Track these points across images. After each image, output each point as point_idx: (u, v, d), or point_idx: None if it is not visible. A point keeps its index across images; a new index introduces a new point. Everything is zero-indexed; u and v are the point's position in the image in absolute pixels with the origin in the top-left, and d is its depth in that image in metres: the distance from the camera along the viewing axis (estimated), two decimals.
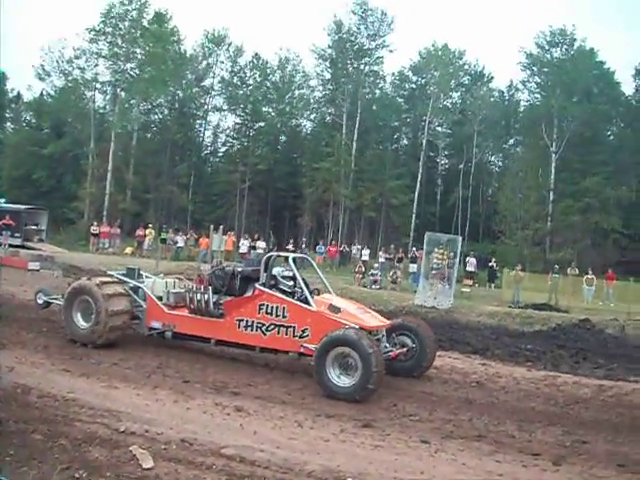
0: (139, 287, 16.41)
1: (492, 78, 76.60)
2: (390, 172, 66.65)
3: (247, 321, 14.49)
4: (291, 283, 14.83)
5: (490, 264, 42.19)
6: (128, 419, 9.88)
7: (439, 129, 74.13)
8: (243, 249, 43.40)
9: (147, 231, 45.83)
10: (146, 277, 17.05)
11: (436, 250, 31.17)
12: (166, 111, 75.46)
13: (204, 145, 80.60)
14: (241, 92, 74.33)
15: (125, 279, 16.67)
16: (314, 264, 18.93)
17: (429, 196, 72.33)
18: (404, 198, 65.95)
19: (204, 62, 75.83)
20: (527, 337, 23.58)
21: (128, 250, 45.19)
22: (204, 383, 12.85)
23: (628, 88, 69.56)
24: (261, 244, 43.98)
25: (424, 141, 69.80)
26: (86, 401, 10.69)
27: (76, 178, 65.31)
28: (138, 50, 63.89)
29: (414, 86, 76.07)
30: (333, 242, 52.61)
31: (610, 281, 38.08)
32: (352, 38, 69.17)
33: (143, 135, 72.08)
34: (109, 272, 18.00)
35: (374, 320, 14.36)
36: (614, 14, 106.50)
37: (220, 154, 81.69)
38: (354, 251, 47.45)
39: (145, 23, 63.78)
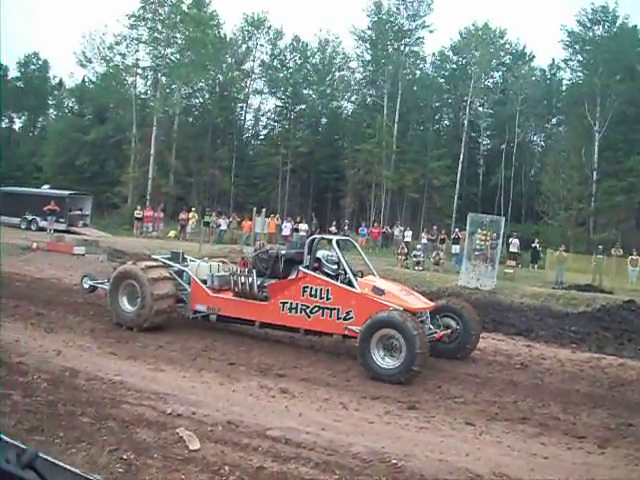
0: (183, 271, 16.56)
1: (533, 57, 75.82)
2: (432, 153, 66.34)
3: (291, 303, 14.51)
4: (335, 265, 14.87)
5: (533, 245, 41.93)
6: (175, 401, 10.00)
7: (480, 109, 73.61)
8: (286, 232, 43.50)
9: (190, 214, 46.11)
10: (190, 260, 17.21)
11: (479, 231, 31.01)
12: (207, 95, 75.70)
13: (245, 128, 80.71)
14: (281, 75, 74.31)
15: (169, 263, 16.83)
16: (357, 246, 18.96)
17: (471, 177, 71.94)
18: (446, 179, 65.64)
19: (244, 46, 75.88)
20: (571, 318, 23.36)
21: (171, 234, 45.50)
22: (249, 365, 12.92)
23: None
24: (303, 226, 43.99)
25: (466, 121, 69.41)
26: (133, 384, 10.82)
27: (119, 163, 65.77)
28: (178, 35, 64.12)
29: (455, 66, 75.44)
30: (375, 224, 52.69)
31: None
32: (392, 19, 68.79)
33: (184, 119, 72.34)
34: (154, 256, 18.18)
35: (418, 302, 14.34)
36: None
37: (261, 137, 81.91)
38: (396, 233, 47.32)
39: (185, 8, 63.93)
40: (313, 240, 15.34)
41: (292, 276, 15.10)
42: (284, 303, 14.62)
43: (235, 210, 58.02)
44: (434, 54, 75.11)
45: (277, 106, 76.78)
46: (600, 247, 38.03)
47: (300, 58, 75.14)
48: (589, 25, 64.27)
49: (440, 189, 66.34)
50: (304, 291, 14.41)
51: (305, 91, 75.35)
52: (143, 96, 69.60)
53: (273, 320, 14.90)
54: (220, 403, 10.19)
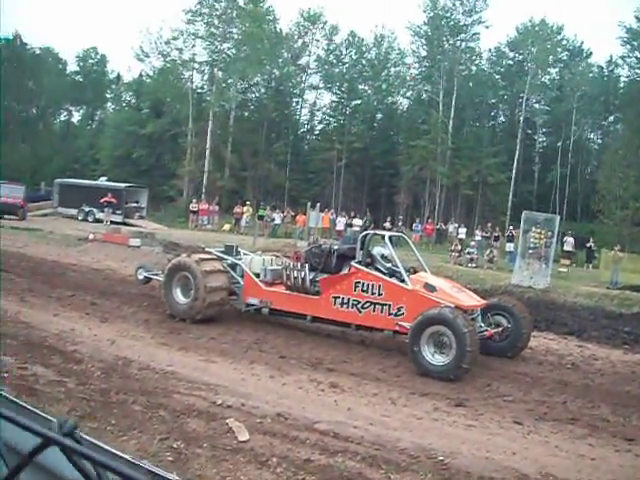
0: (237, 264, 16.74)
1: (591, 53, 74.80)
2: (487, 150, 65.97)
3: (343, 298, 14.60)
4: (387, 262, 14.93)
5: (588, 244, 41.51)
6: (225, 392, 10.14)
7: (537, 106, 72.94)
8: (340, 226, 43.57)
9: (245, 208, 46.36)
10: (244, 254, 17.38)
11: (533, 229, 30.78)
12: (263, 90, 75.99)
13: (300, 123, 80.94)
14: (337, 70, 74.44)
15: (223, 256, 17.02)
16: (410, 242, 19.00)
17: (526, 174, 71.34)
18: (501, 176, 65.20)
19: (300, 41, 76.13)
20: (625, 319, 23.10)
21: (226, 227, 45.84)
22: (300, 359, 13.03)
23: None
24: (357, 221, 44.07)
25: (521, 118, 68.84)
26: (184, 374, 10.99)
27: (175, 157, 66.45)
28: (234, 30, 64.62)
29: (511, 62, 74.83)
30: (429, 220, 52.48)
31: None
32: (447, 14, 68.43)
33: (240, 114, 72.68)
34: (208, 249, 18.44)
35: (469, 299, 14.36)
36: None
37: (316, 132, 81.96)
38: (450, 229, 47.19)
39: (241, 3, 64.43)
40: (366, 236, 15.45)
41: (344, 271, 15.19)
42: (336, 298, 14.71)
43: (289, 204, 58.27)
44: (490, 50, 74.63)
45: (332, 101, 76.91)
46: None
47: (356, 53, 75.09)
48: None
49: (495, 186, 65.93)
50: (356, 286, 14.47)
51: (360, 86, 75.35)
52: (199, 90, 70.13)
53: (324, 314, 14.98)
54: (270, 396, 10.30)
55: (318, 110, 79.93)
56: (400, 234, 21.90)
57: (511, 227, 43.35)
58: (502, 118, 78.99)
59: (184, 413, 8.86)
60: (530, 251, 30.63)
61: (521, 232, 31.77)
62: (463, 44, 69.81)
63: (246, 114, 75.85)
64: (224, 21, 63.30)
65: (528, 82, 66.74)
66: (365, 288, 14.35)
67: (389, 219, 47.34)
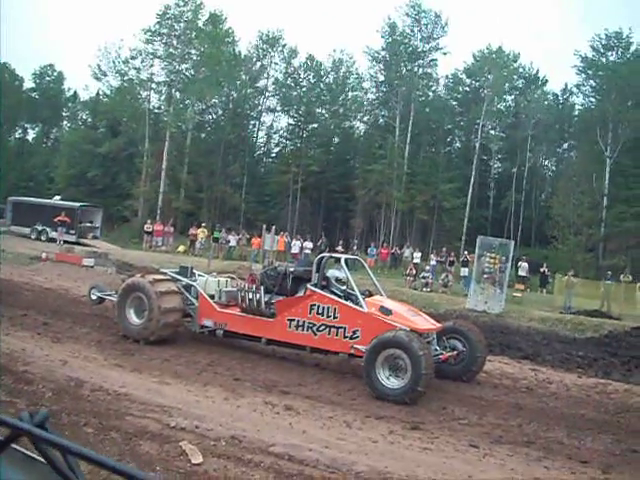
0: (192, 285, 16.57)
1: (546, 81, 75.90)
2: (442, 175, 66.34)
3: (298, 321, 14.54)
4: (343, 285, 14.92)
5: (542, 269, 41.86)
6: (179, 415, 10.02)
7: (492, 132, 73.56)
8: (295, 249, 43.54)
9: (200, 230, 46.21)
10: (199, 275, 17.27)
11: (488, 254, 30.96)
12: (220, 111, 76.10)
13: (257, 145, 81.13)
14: (295, 93, 74.64)
15: (178, 277, 16.86)
16: (366, 265, 19.01)
17: (482, 200, 71.92)
18: (456, 201, 65.64)
19: (258, 63, 76.33)
20: (578, 344, 23.30)
21: (181, 248, 45.62)
22: (254, 381, 12.94)
23: None
24: (308, 244, 44.14)
25: (477, 144, 69.40)
26: (137, 396, 10.86)
27: (130, 177, 66.20)
28: (193, 51, 64.75)
29: (468, 89, 75.57)
30: (385, 244, 52.68)
31: None
32: (406, 40, 68.97)
33: (197, 135, 72.64)
34: (162, 270, 18.25)
35: (425, 323, 14.37)
36: None
37: (273, 155, 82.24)
38: (406, 253, 47.30)
39: (200, 24, 64.63)
40: (322, 258, 15.43)
41: (300, 294, 15.17)
42: (291, 320, 14.64)
43: (245, 227, 58.20)
44: (447, 76, 75.40)
45: (289, 124, 77.10)
46: (609, 273, 37.90)
47: (314, 77, 75.37)
48: (602, 51, 64.43)
49: (450, 211, 66.31)
50: (311, 309, 14.42)
51: (318, 110, 75.58)
52: (156, 111, 69.94)
53: (279, 337, 14.91)
54: (224, 418, 10.21)
55: (275, 133, 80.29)
56: (356, 257, 21.97)
57: (466, 252, 43.61)
58: (458, 144, 79.70)
59: (137, 435, 8.74)
60: (485, 276, 30.81)
61: (476, 257, 31.98)
62: (420, 70, 70.47)
63: (203, 135, 75.87)
64: (183, 42, 63.39)
65: (484, 109, 67.41)
66: (321, 311, 14.30)
67: (342, 243, 47.38)
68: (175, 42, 63.62)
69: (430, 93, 73.52)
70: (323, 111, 76.07)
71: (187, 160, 66.48)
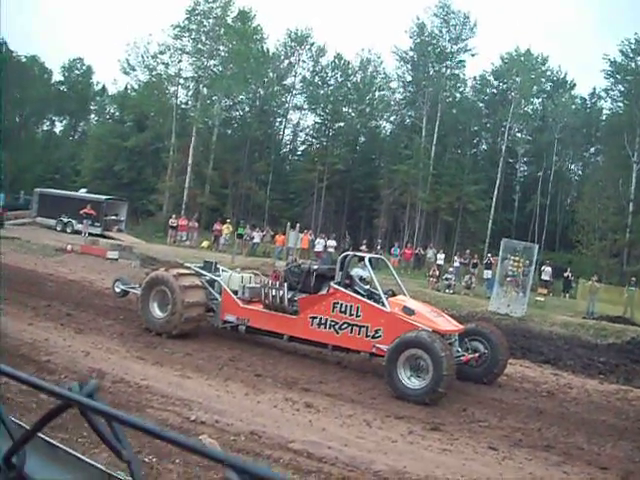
0: (215, 280, 16.71)
1: (574, 85, 75.37)
2: (468, 177, 66.09)
3: (320, 319, 14.61)
4: (366, 284, 14.93)
5: (566, 274, 41.62)
6: (199, 409, 10.08)
7: (519, 135, 73.16)
8: (318, 248, 43.47)
9: (224, 226, 46.23)
10: (222, 271, 17.39)
11: (511, 257, 30.87)
12: (247, 108, 75.99)
13: (283, 143, 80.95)
14: (322, 92, 74.44)
15: (202, 272, 16.96)
16: (390, 265, 18.99)
17: (506, 202, 71.58)
18: (481, 203, 65.37)
19: (286, 61, 76.17)
20: (600, 349, 23.21)
21: (205, 244, 45.67)
22: (275, 378, 12.99)
23: None
24: (332, 243, 44.06)
25: (503, 147, 68.98)
26: (159, 389, 10.92)
27: (156, 171, 66.24)
28: (221, 47, 64.65)
29: (495, 91, 75.19)
30: (408, 245, 52.53)
31: None
32: (434, 41, 68.61)
33: (223, 131, 72.57)
34: (186, 264, 18.34)
35: (447, 324, 14.38)
36: None
37: (299, 152, 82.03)
38: (429, 254, 47.15)
39: (229, 21, 64.54)
40: (346, 257, 15.49)
41: (323, 292, 15.25)
42: (313, 318, 14.71)
43: (269, 223, 58.25)
44: (475, 78, 74.90)
45: (316, 122, 76.84)
46: (633, 279, 37.58)
47: (341, 76, 75.16)
48: (632, 55, 63.84)
49: (475, 213, 66.02)
50: (334, 307, 14.48)
51: (344, 109, 75.32)
52: (184, 106, 69.89)
53: (301, 334, 14.99)
54: (244, 413, 10.25)
55: (301, 131, 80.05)
56: (380, 257, 21.95)
57: (489, 254, 43.45)
58: (484, 146, 79.29)
59: None
60: (508, 279, 30.71)
61: (499, 260, 31.87)
62: (448, 71, 70.08)
63: (229, 132, 75.84)
64: (211, 38, 63.36)
65: (511, 111, 67.04)
66: (343, 309, 14.36)
67: (366, 242, 47.31)
68: (204, 38, 63.62)
69: (457, 94, 73.17)
70: (350, 110, 75.78)
71: (213, 156, 66.47)
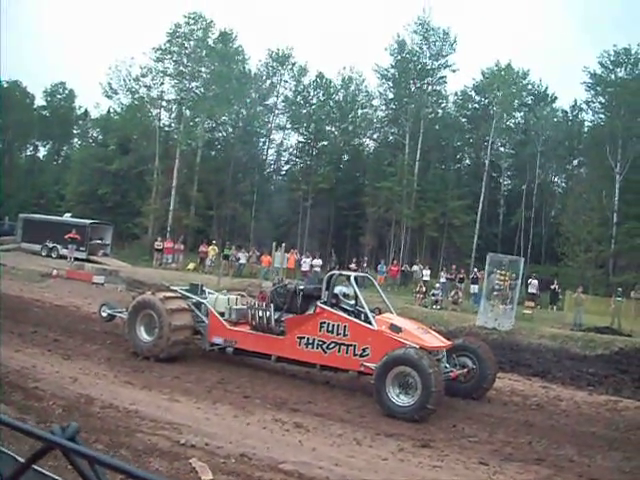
0: (202, 303, 16.68)
1: (556, 98, 75.79)
2: (452, 192, 66.28)
3: (308, 339, 14.64)
4: (352, 302, 14.97)
5: (552, 286, 41.75)
6: (189, 432, 10.04)
7: (502, 149, 73.54)
8: (305, 267, 43.50)
9: (210, 247, 46.23)
10: (209, 293, 17.39)
11: (498, 271, 30.94)
12: (230, 129, 76.06)
13: (267, 163, 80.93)
14: (304, 111, 74.60)
15: (188, 294, 16.96)
16: (375, 283, 19.06)
17: (491, 217, 71.78)
18: (466, 218, 65.57)
19: (268, 81, 76.29)
20: (589, 361, 23.25)
21: (191, 266, 45.61)
22: (264, 399, 12.97)
23: None
24: (318, 262, 44.12)
25: (487, 161, 69.23)
26: (148, 413, 10.89)
27: (140, 194, 66.20)
28: (203, 69, 64.86)
29: (477, 106, 75.46)
30: (394, 261, 52.55)
31: None
32: (414, 58, 68.88)
33: (207, 153, 72.56)
34: (172, 287, 18.23)
35: (435, 340, 14.43)
36: None
37: (283, 172, 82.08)
38: (415, 271, 47.24)
39: (210, 42, 64.77)
40: (332, 276, 15.56)
41: (310, 311, 15.27)
42: (301, 338, 14.75)
43: (255, 244, 58.20)
44: (456, 93, 75.14)
45: (299, 142, 76.95)
46: (619, 289, 37.72)
47: (323, 95, 75.35)
48: (611, 67, 64.44)
49: (460, 228, 66.20)
50: (321, 326, 14.52)
51: (327, 128, 75.57)
52: (167, 128, 69.98)
53: (289, 354, 15.03)
54: (234, 435, 10.22)
55: (285, 150, 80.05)
56: (365, 275, 21.91)
57: (476, 269, 43.57)
58: (467, 161, 79.58)
59: (147, 452, 8.76)
60: (495, 293, 30.77)
61: (486, 274, 31.96)
62: (430, 87, 70.38)
63: (213, 153, 75.90)
64: (193, 60, 63.58)
65: (493, 126, 67.36)
66: (331, 328, 14.41)
67: (355, 260, 47.41)
68: (185, 60, 63.83)
69: (439, 110, 73.49)
70: (332, 129, 76.05)
71: (197, 178, 66.56)
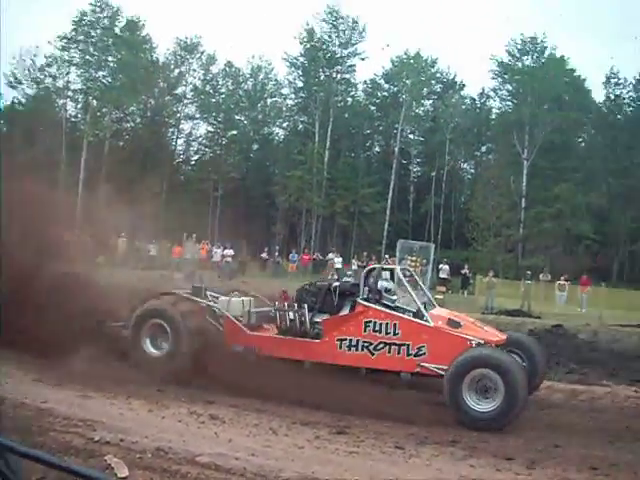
0: (214, 307, 15.08)
1: (464, 86, 76.99)
2: (362, 180, 66.83)
3: (351, 340, 13.33)
4: (394, 297, 13.96)
5: (463, 271, 42.35)
6: (103, 428, 9.83)
7: (411, 137, 74.43)
8: (216, 257, 43.27)
9: (119, 240, 45.62)
10: (213, 296, 15.70)
11: (409, 257, 31.23)
12: (138, 119, 75.26)
13: (176, 153, 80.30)
14: (213, 100, 74.28)
15: (197, 299, 15.25)
16: (416, 277, 17.61)
17: (401, 204, 72.50)
18: (376, 206, 66.13)
19: (176, 70, 75.62)
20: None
21: (100, 259, 44.92)
22: (178, 392, 12.77)
23: (598, 95, 70.70)
24: (229, 252, 43.92)
25: (396, 149, 69.98)
26: (60, 411, 10.63)
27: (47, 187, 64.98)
28: (110, 58, 64.15)
29: (386, 94, 76.05)
30: (306, 250, 52.68)
31: (584, 287, 38.26)
32: (324, 46, 69.37)
33: (115, 143, 71.66)
34: (174, 291, 16.34)
35: (495, 335, 13.56)
36: (584, 22, 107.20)
37: (192, 162, 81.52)
38: (327, 259, 47.36)
39: (117, 31, 63.98)
40: (371, 270, 14.76)
41: (345, 310, 14.14)
42: (342, 340, 13.44)
43: (165, 235, 57.67)
44: (366, 82, 75.77)
45: (208, 131, 76.57)
46: (528, 273, 38.46)
47: (232, 84, 75.17)
48: (518, 55, 65.91)
49: (370, 216, 66.72)
50: (366, 326, 13.25)
51: (237, 117, 75.48)
52: (73, 119, 68.93)
53: (328, 359, 13.57)
54: (149, 430, 10.05)
55: (194, 140, 79.52)
56: (406, 267, 19.51)
57: (387, 256, 43.80)
58: (377, 149, 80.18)
59: (60, 451, 8.55)
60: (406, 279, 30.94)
61: (397, 260, 32.14)
62: (339, 75, 70.88)
63: (121, 144, 74.94)
64: (100, 49, 62.81)
65: (402, 113, 68.14)
66: (378, 328, 13.17)
67: (266, 249, 47.35)
68: (92, 49, 63.02)
69: (349, 98, 74.05)
70: (242, 118, 75.96)
71: (105, 169, 65.68)
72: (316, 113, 68.97)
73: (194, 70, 75.51)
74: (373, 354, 13.07)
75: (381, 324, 13.04)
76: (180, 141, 79.90)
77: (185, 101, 75.96)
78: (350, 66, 71.15)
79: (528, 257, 56.93)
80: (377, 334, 13.03)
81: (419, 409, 12.45)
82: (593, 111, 69.08)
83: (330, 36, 69.40)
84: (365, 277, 14.00)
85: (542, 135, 61.11)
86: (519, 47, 65.57)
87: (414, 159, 76.22)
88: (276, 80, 76.05)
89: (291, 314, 14.20)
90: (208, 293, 15.61)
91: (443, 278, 40.18)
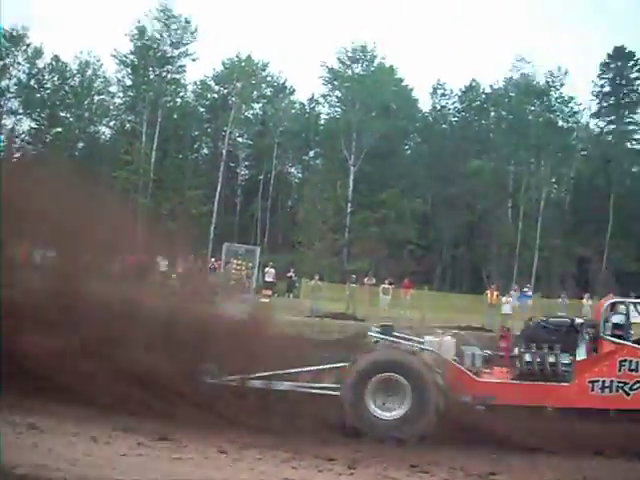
0: (427, 350, 13.31)
1: (294, 91, 77.68)
2: (189, 182, 66.42)
3: (604, 382, 12.62)
4: (622, 332, 13.16)
5: (289, 274, 42.60)
6: None
7: (240, 139, 74.57)
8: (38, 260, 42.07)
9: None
10: (402, 335, 14.07)
11: (234, 260, 31.20)
12: None
13: None
14: (38, 95, 72.20)
15: (402, 342, 13.58)
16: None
17: (228, 206, 72.43)
18: (203, 208, 65.80)
19: (0, 63, 73.19)
20: (328, 345, 23.81)
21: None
22: None
23: (425, 105, 72.78)
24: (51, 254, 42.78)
25: (224, 151, 69.96)
26: None
27: None
28: None
29: (216, 96, 75.92)
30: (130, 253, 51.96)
31: (407, 290, 39.22)
32: (154, 45, 68.57)
33: None
34: (370, 333, 14.71)
35: None
36: (413, 33, 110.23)
37: (14, 160, 78.95)
38: (158, 262, 46.70)
39: None
40: (614, 304, 13.80)
41: (581, 348, 13.17)
42: (594, 382, 12.66)
43: None
44: (196, 83, 75.50)
45: (32, 128, 74.27)
46: (353, 276, 39.17)
47: (59, 79, 73.19)
48: (348, 63, 67.04)
49: (197, 218, 66.28)
50: (621, 366, 12.60)
51: (62, 113, 73.54)
52: None
53: (579, 403, 12.64)
54: None
55: (16, 137, 76.94)
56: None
57: (213, 259, 43.69)
58: (205, 150, 79.90)
59: None
60: (232, 282, 30.89)
61: (223, 264, 32.10)
62: (169, 75, 70.21)
63: None
64: None
65: (232, 116, 68.06)
66: (633, 367, 12.55)
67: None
68: None
69: (178, 99, 73.60)
70: (68, 115, 74.07)
71: None
72: (144, 113, 68.14)
73: (19, 63, 73.10)
74: (629, 394, 12.50)
75: (637, 362, 12.52)
76: (1, 137, 77.42)
77: (8, 95, 73.52)
78: (181, 66, 70.78)
79: (353, 261, 58.03)
80: (633, 373, 12.52)
81: None
82: (419, 120, 71.25)
83: (161, 35, 68.77)
84: (607, 312, 13.35)
85: (369, 142, 62.39)
86: (349, 55, 66.88)
87: (242, 162, 76.46)
88: (104, 77, 74.56)
89: (539, 357, 12.93)
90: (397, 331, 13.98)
91: (269, 281, 40.33)
